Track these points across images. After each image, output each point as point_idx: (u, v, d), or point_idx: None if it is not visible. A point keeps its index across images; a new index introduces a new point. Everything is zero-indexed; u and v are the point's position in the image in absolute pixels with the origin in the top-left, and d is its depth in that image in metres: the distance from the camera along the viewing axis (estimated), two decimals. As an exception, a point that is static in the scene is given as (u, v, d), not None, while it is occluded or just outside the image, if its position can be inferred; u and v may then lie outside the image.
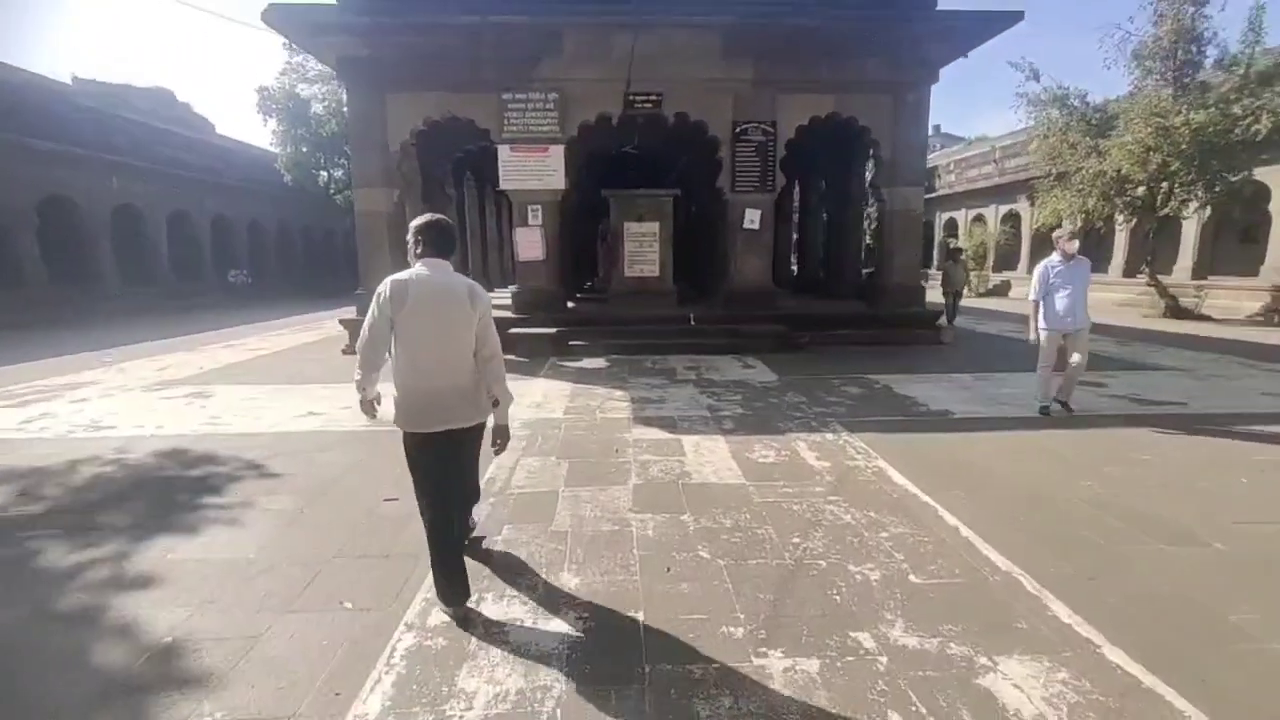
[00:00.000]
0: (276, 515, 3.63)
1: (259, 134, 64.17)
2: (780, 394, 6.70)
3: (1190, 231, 17.76)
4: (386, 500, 3.75)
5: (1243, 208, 15.56)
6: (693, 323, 9.83)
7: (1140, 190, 14.42)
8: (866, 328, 9.97)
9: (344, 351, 9.49)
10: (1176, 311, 15.40)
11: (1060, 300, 5.45)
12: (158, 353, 10.19)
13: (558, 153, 9.55)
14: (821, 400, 6.40)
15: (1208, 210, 13.94)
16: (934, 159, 28.94)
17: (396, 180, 9.68)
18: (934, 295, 12.24)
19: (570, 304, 11.39)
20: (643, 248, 10.67)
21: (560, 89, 9.42)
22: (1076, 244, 5.53)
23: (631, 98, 9.50)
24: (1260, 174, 14.33)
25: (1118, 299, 19.64)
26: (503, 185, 9.64)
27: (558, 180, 9.60)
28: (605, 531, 3.36)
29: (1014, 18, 8.83)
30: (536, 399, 6.44)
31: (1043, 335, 5.64)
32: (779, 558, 3.06)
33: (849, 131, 10.59)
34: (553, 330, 9.16)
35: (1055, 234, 5.67)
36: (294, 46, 20.68)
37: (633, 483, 4.07)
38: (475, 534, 3.24)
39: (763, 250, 10.07)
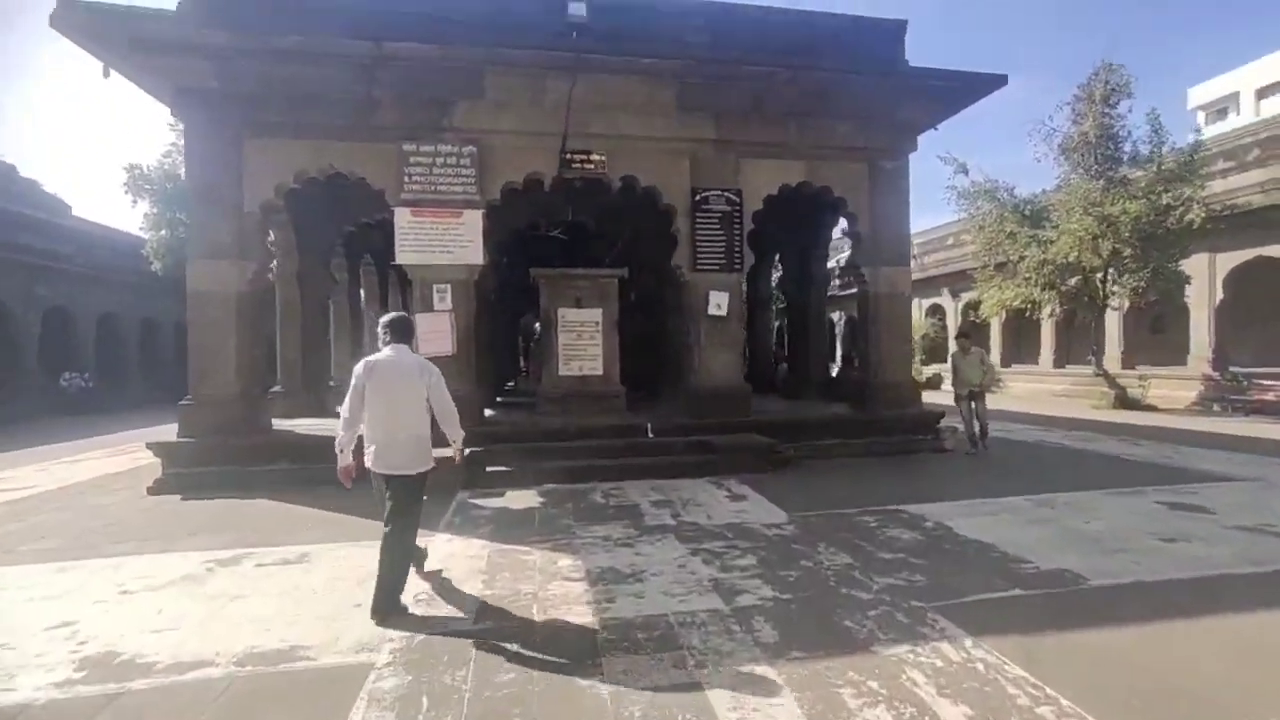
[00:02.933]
0: None
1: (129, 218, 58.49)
2: (809, 549, 4.49)
3: (1114, 322, 18.02)
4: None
5: (1152, 299, 15.86)
6: (651, 435, 7.61)
7: (1083, 279, 14.32)
8: (859, 435, 8.14)
9: (149, 491, 6.46)
10: (1124, 402, 15.00)
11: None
12: None
13: (474, 220, 7.46)
14: (874, 560, 4.24)
15: (1141, 299, 13.72)
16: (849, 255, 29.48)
17: (255, 251, 7.16)
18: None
19: (488, 411, 8.91)
20: (582, 340, 8.56)
21: (479, 142, 7.49)
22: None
23: (569, 156, 7.71)
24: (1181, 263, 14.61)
25: (1054, 390, 19.49)
26: (399, 258, 7.35)
27: (473, 254, 7.45)
28: None
29: (997, 81, 7.97)
30: (422, 587, 3.82)
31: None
32: None
33: (808, 204, 9.32)
34: (464, 451, 6.63)
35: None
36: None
37: None
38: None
39: (732, 341, 8.20)
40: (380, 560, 3.39)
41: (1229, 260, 14.55)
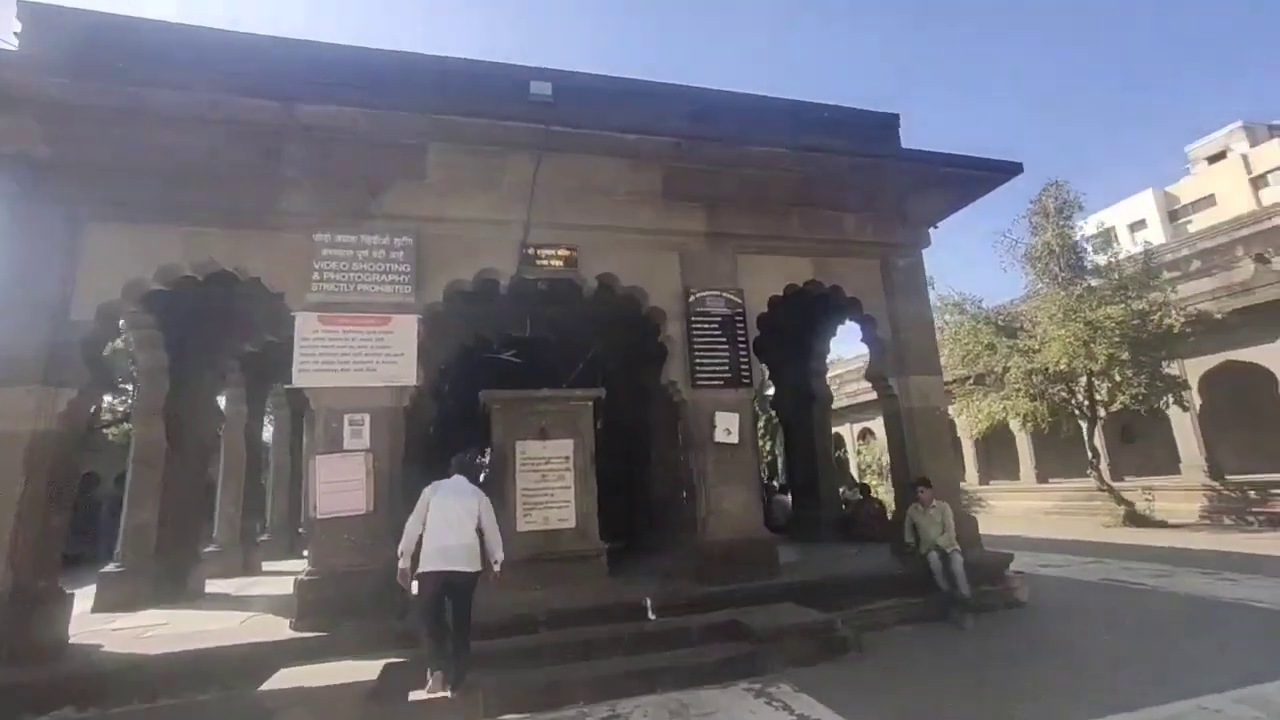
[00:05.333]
0: None
1: None
2: None
3: (1094, 431, 17.39)
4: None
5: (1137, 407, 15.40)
6: (652, 616, 5.40)
7: (1067, 388, 13.66)
8: (916, 593, 6.19)
9: None
10: (1134, 518, 13.79)
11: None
12: None
13: (405, 328, 5.61)
14: None
15: (1143, 405, 12.98)
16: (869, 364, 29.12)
17: (75, 375, 4.96)
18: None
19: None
20: (548, 481, 6.50)
21: (418, 231, 5.86)
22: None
23: (532, 251, 6.16)
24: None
25: (1043, 506, 18.27)
26: (297, 379, 5.30)
27: (403, 371, 5.51)
28: None
29: (1012, 169, 7.18)
30: None
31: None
32: None
33: (803, 310, 8.05)
34: (375, 666, 4.25)
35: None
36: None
37: None
38: None
39: (747, 476, 6.33)
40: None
41: (1198, 365, 14.31)
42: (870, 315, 7.22)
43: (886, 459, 23.68)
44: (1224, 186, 39.34)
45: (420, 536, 4.16)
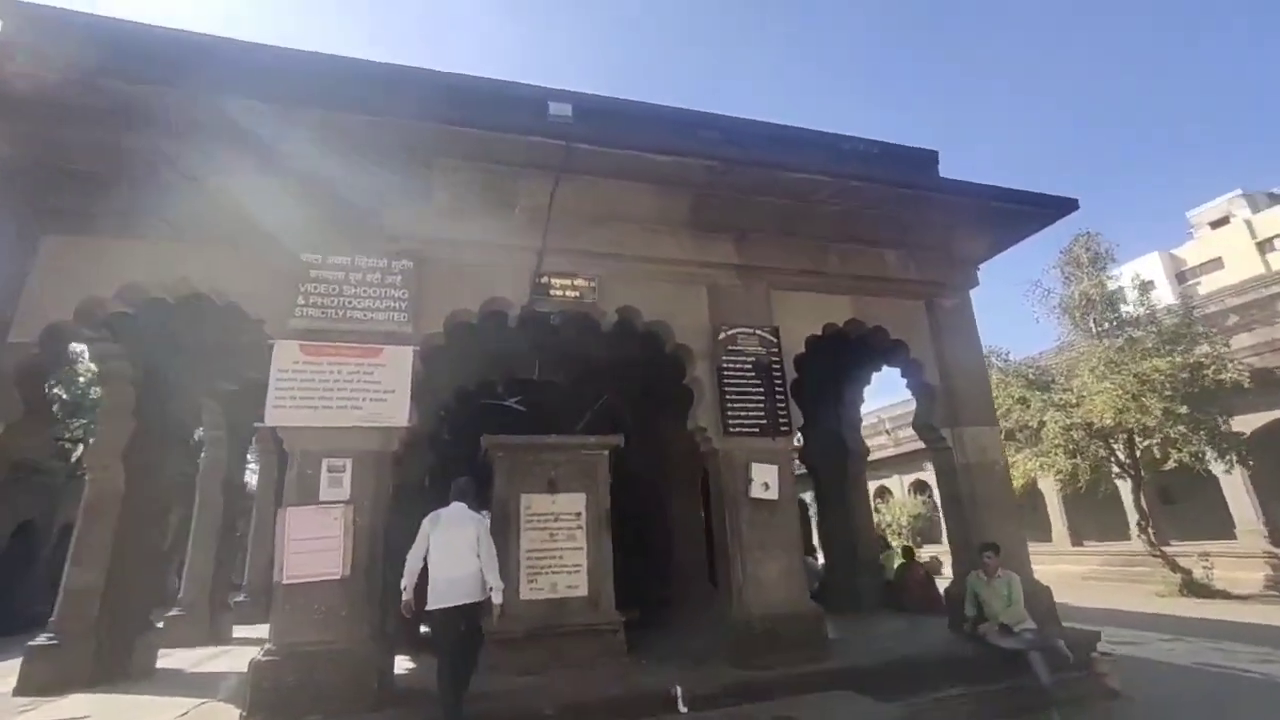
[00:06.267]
0: None
1: None
2: None
3: (1125, 493, 16.32)
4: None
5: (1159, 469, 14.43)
6: (683, 708, 4.45)
7: (1105, 445, 12.79)
8: (991, 679, 5.22)
9: None
10: (1193, 587, 12.61)
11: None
12: None
13: (400, 360, 4.91)
14: None
15: (1201, 464, 12.04)
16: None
17: (12, 406, 4.23)
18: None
19: (404, 669, 5.51)
20: (556, 541, 5.65)
21: (419, 255, 5.24)
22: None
23: (545, 280, 5.53)
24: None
25: (1079, 571, 16.99)
26: (270, 418, 4.55)
27: (394, 410, 4.77)
28: None
29: (1066, 205, 6.61)
30: None
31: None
32: None
33: (838, 353, 7.35)
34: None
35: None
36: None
37: None
38: None
39: (789, 540, 5.45)
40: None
41: (1246, 423, 13.45)
42: (917, 359, 6.50)
43: (905, 519, 22.59)
44: (1231, 249, 39.33)
45: (421, 570, 4.24)
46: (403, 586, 4.21)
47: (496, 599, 4.28)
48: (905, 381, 6.83)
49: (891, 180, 6.18)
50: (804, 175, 5.85)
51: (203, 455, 8.86)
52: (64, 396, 15.54)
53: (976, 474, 6.22)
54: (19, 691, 5.31)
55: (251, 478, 12.15)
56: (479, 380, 7.75)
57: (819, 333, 6.28)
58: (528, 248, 5.50)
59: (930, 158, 7.35)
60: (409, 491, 6.21)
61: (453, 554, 4.20)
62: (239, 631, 8.52)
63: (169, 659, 6.87)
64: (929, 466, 22.25)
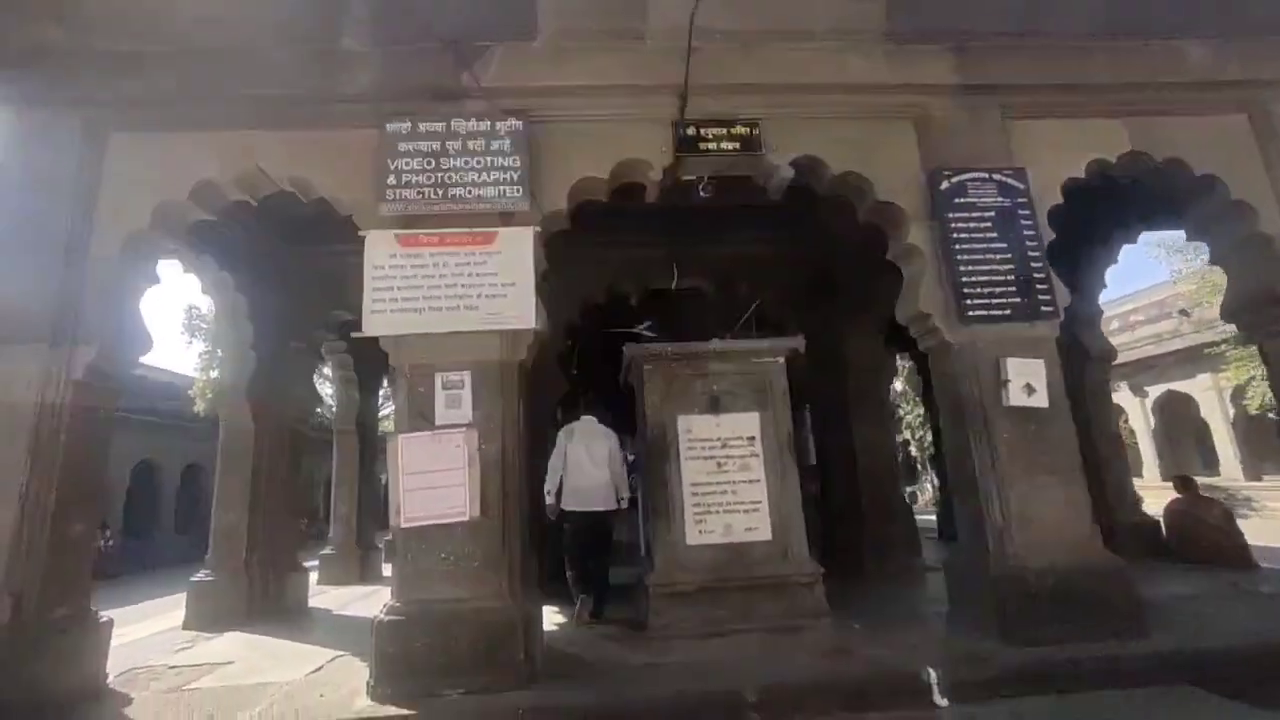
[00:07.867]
0: None
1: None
2: None
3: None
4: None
5: None
6: (941, 700, 3.12)
7: None
8: None
9: None
10: None
11: None
12: None
13: (519, 244, 3.78)
14: None
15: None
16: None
17: (95, 330, 3.62)
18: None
19: (552, 625, 4.68)
20: (726, 474, 4.40)
21: (528, 111, 4.01)
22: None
23: (693, 131, 4.10)
24: None
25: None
26: (368, 328, 3.64)
27: (518, 308, 3.68)
28: None
29: None
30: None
31: None
32: None
33: (1069, 220, 5.29)
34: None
35: None
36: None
37: None
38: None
39: (1066, 460, 3.81)
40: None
41: None
42: (1241, 201, 4.35)
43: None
44: None
45: (561, 477, 4.62)
46: (546, 491, 4.64)
47: (624, 504, 4.74)
48: (1203, 243, 4.69)
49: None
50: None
51: (337, 394, 8.64)
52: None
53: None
54: (187, 625, 5.36)
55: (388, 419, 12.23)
56: (609, 293, 6.59)
57: (1081, 174, 4.34)
58: (666, 87, 4.07)
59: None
60: (545, 416, 5.32)
61: (586, 466, 4.60)
62: (388, 570, 8.42)
63: (322, 597, 6.78)
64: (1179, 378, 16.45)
